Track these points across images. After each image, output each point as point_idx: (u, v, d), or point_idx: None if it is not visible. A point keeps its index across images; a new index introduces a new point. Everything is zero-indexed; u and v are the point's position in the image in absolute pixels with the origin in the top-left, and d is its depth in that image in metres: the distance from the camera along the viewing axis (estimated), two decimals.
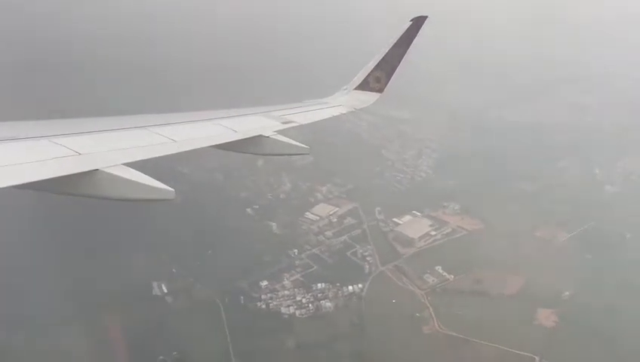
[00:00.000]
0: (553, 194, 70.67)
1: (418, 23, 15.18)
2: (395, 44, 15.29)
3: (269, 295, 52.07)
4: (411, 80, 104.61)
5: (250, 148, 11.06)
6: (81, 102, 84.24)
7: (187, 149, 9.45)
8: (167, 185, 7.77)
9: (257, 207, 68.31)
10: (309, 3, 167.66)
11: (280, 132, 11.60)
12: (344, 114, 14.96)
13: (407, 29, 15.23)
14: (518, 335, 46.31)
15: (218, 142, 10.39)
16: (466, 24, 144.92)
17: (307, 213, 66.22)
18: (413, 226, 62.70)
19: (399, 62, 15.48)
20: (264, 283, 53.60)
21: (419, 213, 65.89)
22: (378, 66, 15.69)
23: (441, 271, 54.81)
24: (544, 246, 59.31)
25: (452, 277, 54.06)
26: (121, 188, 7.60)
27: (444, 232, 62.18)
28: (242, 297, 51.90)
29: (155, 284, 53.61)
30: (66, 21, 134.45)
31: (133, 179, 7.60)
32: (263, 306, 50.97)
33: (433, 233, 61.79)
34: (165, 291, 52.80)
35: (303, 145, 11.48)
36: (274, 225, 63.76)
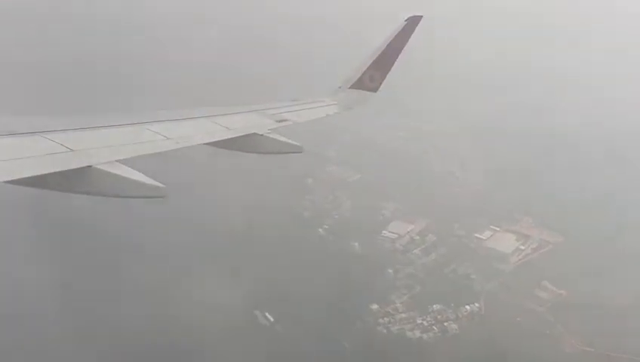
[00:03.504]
0: (617, 200, 70.67)
1: (413, 22, 15.33)
2: (390, 43, 15.42)
3: (385, 319, 49.42)
4: (422, 91, 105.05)
5: (244, 146, 11.08)
6: (75, 98, 79.86)
7: (181, 146, 9.46)
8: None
9: (327, 226, 65.56)
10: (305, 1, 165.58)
11: (274, 130, 11.66)
12: (338, 113, 14.92)
13: (402, 28, 15.38)
14: None
15: (212, 140, 10.38)
16: (467, 31, 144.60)
17: (384, 232, 63.81)
18: (501, 241, 61.75)
19: (394, 61, 15.62)
20: (374, 306, 51.01)
21: (498, 228, 64.80)
22: (373, 65, 15.74)
23: (549, 285, 53.86)
24: (637, 254, 59.08)
25: (564, 291, 53.09)
26: (114, 185, 7.64)
27: (532, 246, 61.53)
28: (359, 322, 48.93)
29: (257, 313, 49.88)
30: (60, 19, 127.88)
31: (125, 176, 7.66)
32: (384, 331, 48.45)
33: (522, 247, 61.03)
34: (272, 319, 49.15)
35: (296, 144, 11.42)
36: (356, 244, 61.09)
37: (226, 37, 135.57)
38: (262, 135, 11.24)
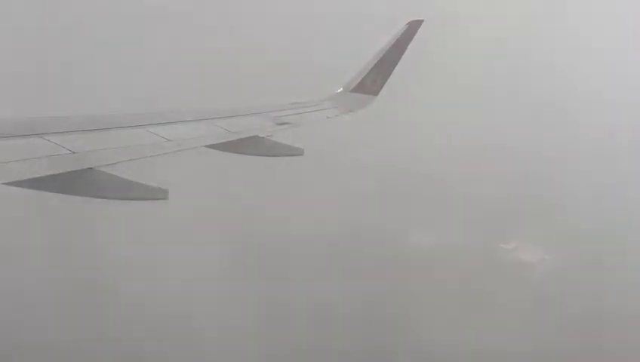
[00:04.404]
0: None
1: (414, 27, 15.66)
2: (392, 47, 15.89)
3: (418, 334, 48.09)
4: (429, 94, 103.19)
5: (244, 149, 11.42)
6: (75, 100, 78.46)
7: (181, 149, 9.62)
8: None
9: (341, 237, 63.65)
10: (306, 2, 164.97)
11: (275, 133, 12.07)
12: (338, 116, 15.13)
13: (403, 32, 15.86)
14: None
15: (212, 142, 10.66)
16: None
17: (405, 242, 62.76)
18: (526, 252, 61.75)
19: (395, 65, 16.01)
20: (404, 321, 49.72)
21: (522, 238, 64.25)
22: (374, 69, 16.12)
23: (580, 297, 53.59)
24: None
25: (596, 303, 52.89)
26: (116, 187, 7.71)
27: (556, 256, 60.99)
28: (391, 339, 47.75)
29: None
30: (59, 18, 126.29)
31: (127, 178, 7.87)
32: (418, 346, 46.99)
33: (547, 257, 60.57)
34: None
35: (297, 147, 11.84)
36: (376, 256, 59.92)
37: (227, 38, 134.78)
38: (263, 137, 11.55)
